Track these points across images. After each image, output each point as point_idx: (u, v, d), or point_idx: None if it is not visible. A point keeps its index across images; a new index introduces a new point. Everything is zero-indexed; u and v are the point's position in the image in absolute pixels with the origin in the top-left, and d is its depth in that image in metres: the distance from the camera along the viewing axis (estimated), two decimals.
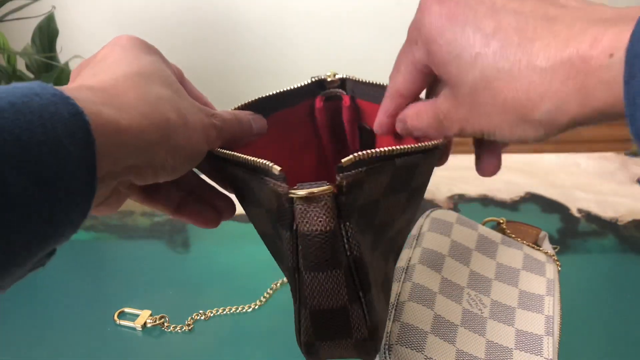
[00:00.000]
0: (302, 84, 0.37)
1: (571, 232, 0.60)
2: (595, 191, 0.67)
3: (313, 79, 0.38)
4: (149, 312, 0.50)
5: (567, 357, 0.42)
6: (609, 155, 0.75)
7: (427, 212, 0.50)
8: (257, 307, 0.51)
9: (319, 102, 0.38)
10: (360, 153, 0.25)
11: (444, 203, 0.65)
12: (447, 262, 0.45)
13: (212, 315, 0.51)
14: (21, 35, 1.34)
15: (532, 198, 0.66)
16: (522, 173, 0.71)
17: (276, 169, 0.25)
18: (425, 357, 0.37)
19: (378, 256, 0.31)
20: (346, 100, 0.38)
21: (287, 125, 0.38)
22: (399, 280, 0.42)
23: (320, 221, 0.25)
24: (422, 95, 0.32)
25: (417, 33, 0.28)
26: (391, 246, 0.33)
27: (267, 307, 0.51)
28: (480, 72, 0.25)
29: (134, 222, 0.63)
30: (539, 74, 0.23)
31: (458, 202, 0.65)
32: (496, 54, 0.24)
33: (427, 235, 0.47)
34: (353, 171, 0.25)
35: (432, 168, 0.32)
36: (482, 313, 0.42)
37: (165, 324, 0.50)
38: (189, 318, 0.50)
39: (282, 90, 0.36)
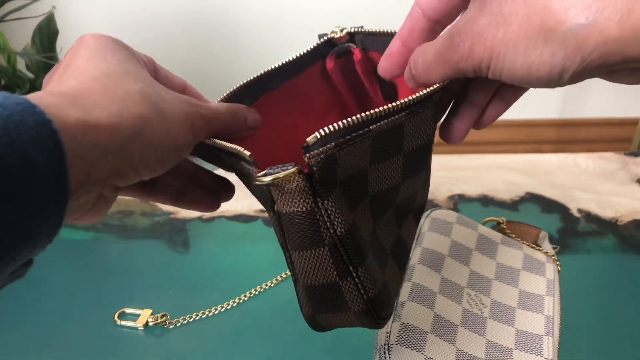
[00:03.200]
0: (310, 48, 0.35)
1: (571, 232, 0.60)
2: (595, 191, 0.67)
3: (321, 40, 0.35)
4: (150, 311, 0.50)
5: (567, 357, 0.42)
6: (609, 155, 0.75)
7: (427, 212, 0.50)
8: (252, 296, 0.51)
9: (329, 63, 0.36)
10: (324, 129, 0.24)
11: (444, 203, 0.65)
12: (447, 262, 0.45)
13: (216, 312, 0.51)
14: (21, 35, 1.34)
15: (532, 198, 0.66)
16: (522, 173, 0.71)
17: (246, 154, 0.25)
18: (425, 357, 0.37)
19: (386, 223, 0.30)
20: (357, 54, 0.35)
21: (304, 93, 0.36)
22: None
23: (297, 203, 0.25)
24: None
25: None
26: (406, 209, 0.32)
27: (266, 307, 0.51)
28: None
29: (134, 222, 0.63)
30: None
31: (458, 202, 0.65)
32: None
33: (427, 235, 0.47)
34: (320, 149, 0.24)
35: (430, 126, 0.29)
36: (482, 313, 0.42)
37: (167, 322, 0.50)
38: (188, 316, 0.50)
39: (288, 59, 0.34)
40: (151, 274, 0.55)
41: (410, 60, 0.29)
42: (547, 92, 1.65)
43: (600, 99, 1.67)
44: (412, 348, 0.37)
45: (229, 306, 0.51)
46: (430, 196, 0.66)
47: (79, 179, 0.21)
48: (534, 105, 1.66)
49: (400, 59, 0.30)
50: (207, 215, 0.63)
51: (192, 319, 0.50)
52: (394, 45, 0.30)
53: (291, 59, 0.34)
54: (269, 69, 0.34)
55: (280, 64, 0.34)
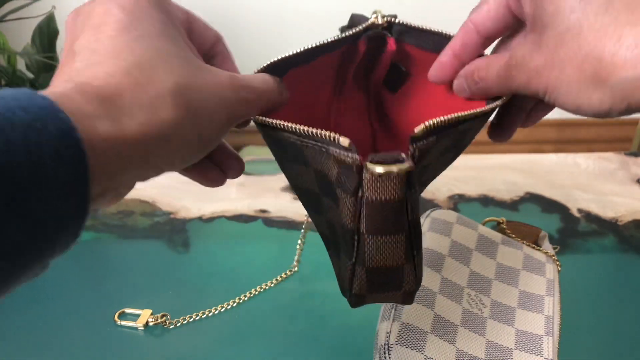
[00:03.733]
0: (351, 32, 0.34)
1: (571, 232, 0.60)
2: (595, 191, 0.67)
3: (360, 28, 0.34)
4: (150, 311, 0.50)
5: (567, 357, 0.42)
6: (609, 155, 0.75)
7: (427, 212, 0.50)
8: (253, 297, 0.51)
9: (362, 46, 0.35)
10: (432, 121, 0.25)
11: (444, 203, 0.65)
12: (447, 262, 0.45)
13: (215, 312, 0.51)
14: (21, 36, 1.34)
15: (532, 198, 0.66)
16: (522, 173, 0.71)
17: (345, 141, 0.25)
18: (425, 357, 0.37)
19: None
20: (391, 44, 0.35)
21: (323, 73, 0.36)
22: None
23: (392, 192, 0.25)
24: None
25: None
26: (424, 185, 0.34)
27: (266, 307, 0.51)
28: (576, 21, 0.24)
29: (134, 222, 0.63)
30: (634, 38, 0.23)
31: (458, 202, 0.65)
32: (600, 8, 0.24)
33: (427, 235, 0.47)
34: (425, 141, 0.25)
35: (480, 128, 0.32)
36: (482, 313, 0.42)
37: (167, 322, 0.50)
38: (189, 316, 0.50)
39: (327, 40, 0.33)
40: (151, 274, 0.55)
41: (469, 74, 0.31)
42: None
43: None
44: (412, 348, 0.37)
45: (229, 306, 0.51)
46: (430, 196, 0.66)
47: (99, 190, 0.21)
48: None
49: (451, 69, 0.32)
50: (207, 215, 0.63)
51: (192, 319, 0.50)
52: (446, 57, 0.32)
53: (329, 40, 0.33)
54: (307, 47, 0.32)
55: (319, 43, 0.33)
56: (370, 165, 0.24)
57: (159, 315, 0.50)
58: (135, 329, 0.50)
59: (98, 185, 0.20)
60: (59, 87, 0.21)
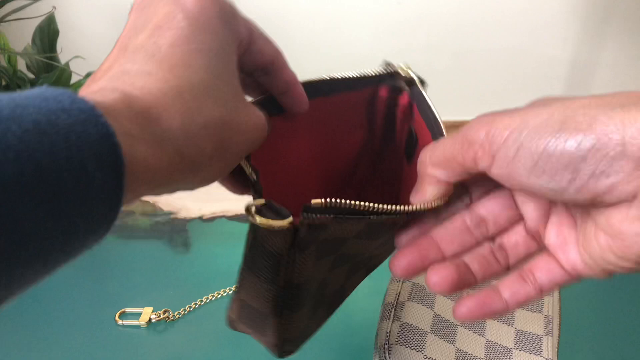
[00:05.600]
0: (374, 73, 0.35)
1: None
2: None
3: (387, 71, 0.35)
4: (151, 308, 0.51)
5: (567, 357, 0.42)
6: None
7: None
8: None
9: (383, 92, 0.36)
10: (332, 201, 0.24)
11: None
12: None
13: (218, 296, 0.51)
14: (21, 36, 1.34)
15: None
16: None
17: (254, 177, 0.26)
18: (425, 356, 0.37)
19: (339, 272, 0.31)
20: (405, 98, 0.35)
21: (345, 109, 0.36)
22: (399, 281, 0.42)
23: (271, 240, 0.25)
24: None
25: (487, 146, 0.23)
26: (363, 265, 0.33)
27: None
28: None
29: (134, 222, 0.63)
30: None
31: None
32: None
33: None
34: (319, 215, 0.24)
35: (391, 238, 0.30)
36: None
37: (170, 316, 0.50)
38: (188, 306, 0.50)
39: (353, 75, 0.34)
40: (152, 274, 0.56)
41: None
42: (547, 92, 1.65)
43: None
44: (412, 348, 0.37)
45: (231, 291, 0.51)
46: None
47: (135, 195, 0.21)
48: None
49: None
50: (207, 215, 0.63)
51: (192, 309, 0.51)
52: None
53: (356, 75, 0.34)
54: (333, 77, 0.33)
55: (345, 76, 0.34)
56: (255, 216, 0.24)
57: (161, 312, 0.50)
58: (138, 327, 0.50)
59: (136, 190, 0.20)
60: (104, 93, 0.20)
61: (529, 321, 0.42)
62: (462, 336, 0.39)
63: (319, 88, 0.33)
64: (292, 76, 0.31)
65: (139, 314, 0.50)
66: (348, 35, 1.53)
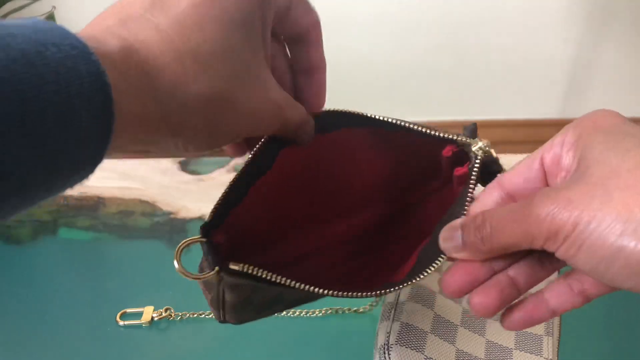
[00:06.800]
0: (449, 135, 0.33)
1: None
2: None
3: (465, 137, 0.33)
4: (152, 307, 0.51)
5: (567, 357, 0.42)
6: None
7: None
8: None
9: (448, 151, 0.34)
10: (249, 268, 0.26)
11: None
12: (447, 262, 0.45)
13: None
14: None
15: None
16: None
17: (203, 240, 0.30)
18: (425, 357, 0.37)
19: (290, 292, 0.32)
20: (464, 168, 0.33)
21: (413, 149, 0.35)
22: None
23: (206, 286, 0.31)
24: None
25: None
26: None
27: None
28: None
29: (134, 222, 0.63)
30: None
31: None
32: None
33: None
34: (236, 278, 0.27)
35: None
36: None
37: (172, 314, 0.50)
38: (191, 312, 0.50)
39: (426, 130, 0.32)
40: (151, 274, 0.55)
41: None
42: (547, 92, 1.66)
43: (600, 99, 1.67)
44: (412, 348, 0.37)
45: None
46: None
47: (119, 143, 0.20)
48: (534, 105, 1.66)
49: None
50: (207, 215, 0.63)
51: (195, 315, 0.50)
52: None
53: (426, 131, 0.32)
54: (404, 124, 0.32)
55: (428, 131, 0.32)
56: (187, 273, 0.29)
57: (163, 310, 0.50)
58: (140, 326, 0.50)
59: (120, 138, 0.20)
60: (105, 36, 0.20)
61: None
62: (463, 336, 0.39)
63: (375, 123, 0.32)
64: (320, 59, 0.29)
65: (140, 314, 0.50)
66: (348, 35, 1.53)
